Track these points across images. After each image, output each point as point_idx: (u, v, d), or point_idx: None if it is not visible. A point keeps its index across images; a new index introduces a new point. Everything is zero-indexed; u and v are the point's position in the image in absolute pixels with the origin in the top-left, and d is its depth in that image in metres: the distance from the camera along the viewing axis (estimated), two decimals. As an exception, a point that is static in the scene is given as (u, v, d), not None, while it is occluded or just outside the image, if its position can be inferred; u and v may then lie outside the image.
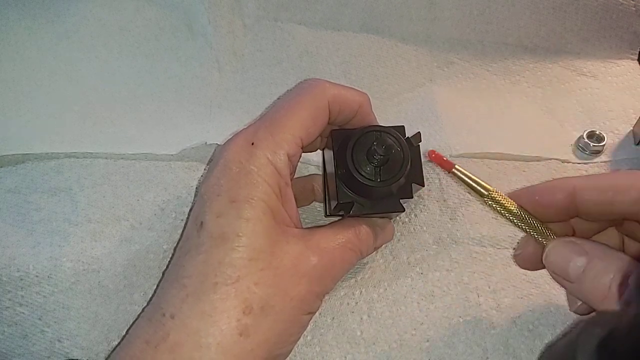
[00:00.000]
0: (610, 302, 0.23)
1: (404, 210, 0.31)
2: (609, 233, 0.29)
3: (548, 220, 0.28)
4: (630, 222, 0.27)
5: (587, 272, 0.24)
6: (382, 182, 0.29)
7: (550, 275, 0.27)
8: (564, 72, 0.47)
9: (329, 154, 0.32)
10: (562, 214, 0.27)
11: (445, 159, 0.28)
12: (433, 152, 0.28)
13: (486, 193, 0.28)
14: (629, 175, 0.26)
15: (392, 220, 0.35)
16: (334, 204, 0.31)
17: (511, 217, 0.28)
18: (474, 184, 0.28)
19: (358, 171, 0.29)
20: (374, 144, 0.29)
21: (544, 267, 0.28)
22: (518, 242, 0.32)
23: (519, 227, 0.28)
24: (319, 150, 0.36)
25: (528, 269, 0.30)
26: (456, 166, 0.28)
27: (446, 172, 0.28)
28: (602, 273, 0.24)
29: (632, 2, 0.46)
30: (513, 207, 0.27)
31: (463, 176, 0.28)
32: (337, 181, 0.30)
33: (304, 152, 0.36)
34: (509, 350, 0.31)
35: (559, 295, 0.33)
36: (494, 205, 0.28)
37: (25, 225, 0.33)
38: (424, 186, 0.31)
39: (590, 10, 0.46)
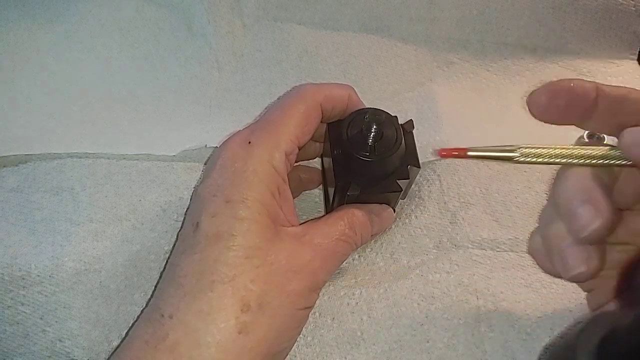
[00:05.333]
0: None
1: (402, 190, 0.31)
2: None
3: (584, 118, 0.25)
4: None
5: None
6: (378, 156, 0.29)
7: (627, 152, 0.23)
8: (564, 72, 0.47)
9: (328, 161, 0.32)
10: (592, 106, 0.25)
11: (454, 149, 0.25)
12: (442, 150, 0.26)
13: (517, 155, 0.25)
14: None
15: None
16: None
17: (553, 160, 0.25)
18: (498, 155, 0.25)
19: (354, 147, 0.29)
20: (366, 118, 0.29)
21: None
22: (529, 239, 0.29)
23: (568, 163, 0.25)
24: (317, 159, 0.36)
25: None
26: (468, 152, 0.25)
27: (465, 158, 0.26)
28: None
29: (632, 2, 0.46)
30: (550, 149, 0.25)
31: (482, 153, 0.25)
32: (335, 165, 0.31)
33: (303, 160, 0.36)
34: (507, 352, 0.31)
35: (556, 299, 0.33)
36: (531, 160, 0.25)
37: (27, 225, 0.33)
38: (419, 168, 0.32)
39: (590, 10, 0.46)
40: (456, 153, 0.25)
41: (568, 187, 0.24)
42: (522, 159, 0.25)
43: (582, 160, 0.24)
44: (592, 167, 0.24)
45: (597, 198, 0.23)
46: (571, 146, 0.25)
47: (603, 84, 0.25)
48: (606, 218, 0.23)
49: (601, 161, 0.24)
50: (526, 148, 0.25)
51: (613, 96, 0.25)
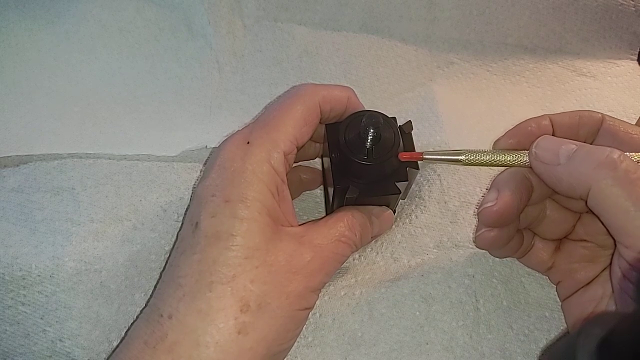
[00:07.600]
0: (608, 168, 0.25)
1: (400, 192, 0.31)
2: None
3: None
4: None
5: (579, 151, 0.26)
6: (375, 159, 0.29)
7: (533, 164, 0.28)
8: (564, 72, 0.47)
9: (327, 161, 0.32)
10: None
11: (413, 152, 0.31)
12: (402, 154, 0.30)
13: (463, 158, 0.30)
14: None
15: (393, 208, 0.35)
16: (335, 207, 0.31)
17: (493, 163, 0.30)
18: (448, 158, 0.30)
19: (351, 151, 0.29)
20: (363, 121, 0.29)
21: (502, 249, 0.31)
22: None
23: (505, 166, 0.30)
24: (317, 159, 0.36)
25: (488, 249, 0.33)
26: (424, 154, 0.30)
27: (421, 160, 0.31)
28: (595, 150, 0.26)
29: (632, 2, 0.46)
30: (489, 154, 0.30)
31: (436, 156, 0.30)
32: (333, 167, 0.31)
33: (303, 160, 0.36)
34: (505, 354, 0.31)
35: (555, 300, 0.33)
36: (476, 162, 0.30)
37: (28, 225, 0.33)
38: (418, 169, 0.32)
39: (590, 11, 0.46)
40: (414, 154, 0.30)
41: (504, 175, 0.30)
42: (467, 162, 0.30)
43: (508, 163, 0.29)
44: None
45: (504, 189, 0.28)
46: (502, 152, 0.30)
47: (557, 114, 0.30)
48: (500, 206, 0.28)
49: (517, 164, 0.29)
50: (470, 154, 0.29)
51: (566, 125, 0.30)
